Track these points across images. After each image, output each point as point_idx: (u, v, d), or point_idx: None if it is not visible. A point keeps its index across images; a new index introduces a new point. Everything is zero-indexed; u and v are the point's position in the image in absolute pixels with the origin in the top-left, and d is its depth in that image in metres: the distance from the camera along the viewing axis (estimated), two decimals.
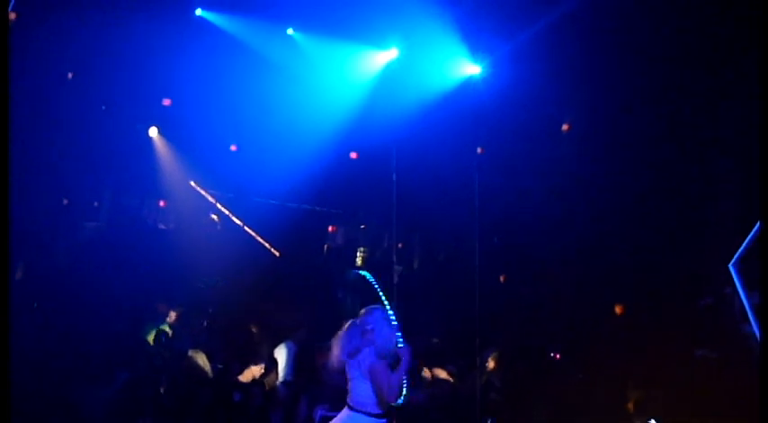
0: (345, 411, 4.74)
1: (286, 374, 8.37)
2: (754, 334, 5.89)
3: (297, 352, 8.65)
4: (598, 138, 9.26)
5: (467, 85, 8.92)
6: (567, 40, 8.09)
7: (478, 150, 11.32)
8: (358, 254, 12.79)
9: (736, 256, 5.85)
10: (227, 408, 6.56)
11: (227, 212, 12.78)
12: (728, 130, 7.34)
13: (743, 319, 6.12)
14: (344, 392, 7.56)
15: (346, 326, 4.80)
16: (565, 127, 10.20)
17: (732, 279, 6.17)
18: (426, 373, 7.53)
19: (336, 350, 4.76)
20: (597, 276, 8.89)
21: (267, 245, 12.65)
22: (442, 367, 7.68)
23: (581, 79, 8.56)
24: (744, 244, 5.88)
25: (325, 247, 13.40)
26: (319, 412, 6.75)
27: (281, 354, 8.44)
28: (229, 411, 6.57)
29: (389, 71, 9.15)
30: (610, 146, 9.18)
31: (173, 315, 8.82)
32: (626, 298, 8.24)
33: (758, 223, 5.66)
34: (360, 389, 4.66)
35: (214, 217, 12.94)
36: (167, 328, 8.52)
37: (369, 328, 4.67)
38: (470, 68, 8.91)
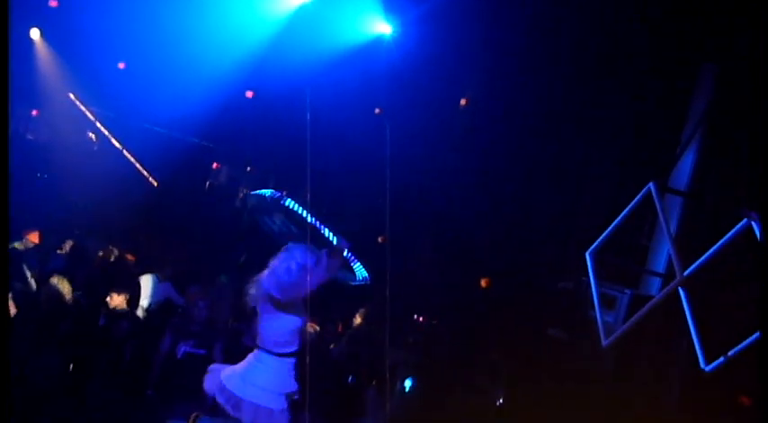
0: (254, 352, 4.78)
1: (149, 305, 8.22)
2: (597, 320, 6.39)
3: (164, 286, 8.50)
4: (490, 117, 9.52)
5: (377, 43, 8.87)
6: (476, 8, 8.17)
7: (376, 111, 11.39)
8: (240, 195, 12.59)
9: (592, 247, 6.28)
10: (88, 338, 6.33)
11: (106, 133, 12.13)
12: (614, 125, 7.75)
13: (592, 305, 6.59)
14: (210, 330, 7.53)
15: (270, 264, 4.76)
16: (462, 102, 10.40)
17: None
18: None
19: (254, 290, 4.77)
20: (470, 249, 9.26)
21: (146, 173, 12.17)
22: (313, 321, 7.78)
23: (485, 49, 8.72)
24: (601, 236, 6.31)
25: (207, 183, 13.06)
26: (183, 348, 6.69)
27: (145, 284, 8.25)
28: (91, 341, 6.35)
29: (301, 16, 8.91)
30: (497, 126, 9.45)
31: (33, 236, 8.28)
32: (494, 273, 8.65)
33: (617, 219, 6.10)
34: (270, 328, 4.71)
35: (91, 135, 12.24)
36: (20, 247, 8.00)
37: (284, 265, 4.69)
38: (382, 27, 8.86)
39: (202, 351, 6.97)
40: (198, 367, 6.63)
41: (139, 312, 7.81)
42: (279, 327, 4.69)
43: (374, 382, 6.88)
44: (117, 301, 7.11)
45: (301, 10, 8.84)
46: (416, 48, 8.88)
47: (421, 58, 8.97)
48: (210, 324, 7.35)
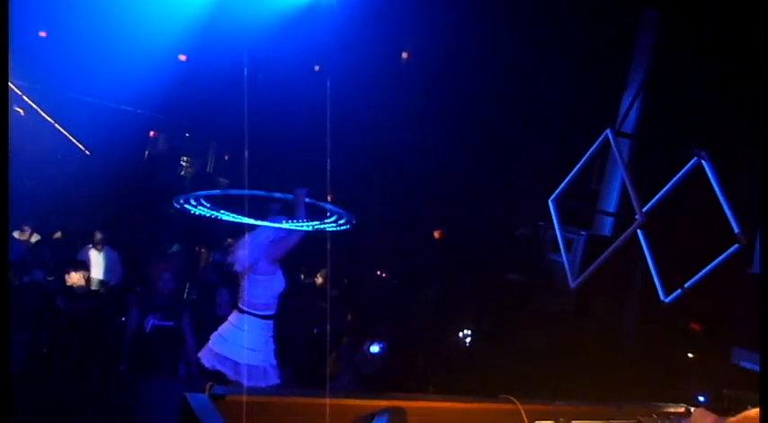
0: (235, 314, 5.00)
1: (107, 279, 8.08)
2: (559, 262, 6.69)
3: (117, 258, 8.35)
4: (435, 70, 9.58)
5: (317, 4, 8.73)
6: None
7: (316, 68, 11.27)
8: (182, 163, 12.34)
9: (555, 193, 6.52)
10: (54, 315, 6.20)
11: (34, 106, 11.58)
12: (560, 73, 7.94)
13: (553, 249, 6.89)
14: (176, 302, 7.46)
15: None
16: (404, 55, 10.41)
17: (544, 213, 6.91)
18: None
19: (241, 251, 5.00)
20: (424, 203, 9.41)
21: (80, 145, 11.73)
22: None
23: (426, 11, 8.74)
24: (563, 183, 6.56)
25: (146, 152, 12.72)
26: (151, 322, 6.62)
27: (96, 259, 8.10)
28: (57, 319, 6.22)
29: None
30: (445, 78, 9.53)
31: None
32: (450, 225, 8.85)
33: (578, 165, 6.34)
34: (257, 291, 4.94)
35: (19, 110, 11.67)
36: None
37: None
38: None
39: (170, 323, 6.91)
40: (167, 339, 6.67)
41: (96, 287, 7.69)
42: (266, 289, 4.94)
43: (345, 340, 7.01)
44: (74, 278, 6.95)
45: None
46: (357, 4, 8.80)
47: (362, 14, 8.90)
48: (176, 295, 7.28)
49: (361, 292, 8.58)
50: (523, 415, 3.09)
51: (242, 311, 4.96)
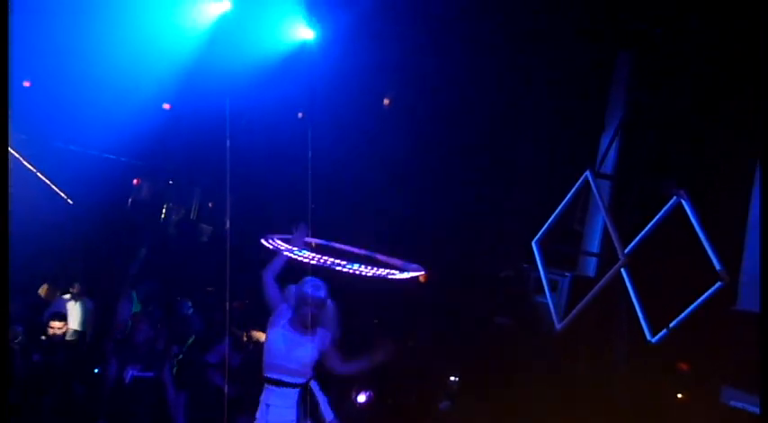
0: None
1: (84, 330, 7.94)
2: (545, 303, 6.69)
3: (96, 308, 8.22)
4: (417, 115, 9.69)
5: (301, 50, 8.86)
6: (401, 17, 8.32)
7: (299, 115, 11.36)
8: (164, 210, 12.29)
9: (538, 236, 6.57)
10: (29, 370, 6.05)
11: (17, 156, 11.53)
12: (539, 117, 8.06)
13: (537, 290, 6.88)
14: (155, 352, 7.33)
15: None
16: (386, 101, 10.53)
17: (528, 255, 6.93)
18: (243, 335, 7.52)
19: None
20: (408, 247, 9.38)
21: (63, 194, 11.65)
22: (260, 330, 7.71)
23: (409, 56, 8.87)
24: (545, 225, 6.62)
25: (129, 200, 12.66)
26: (130, 373, 6.48)
27: (74, 309, 7.97)
28: (33, 374, 6.07)
29: (221, 26, 8.77)
30: (426, 123, 9.64)
31: None
32: (435, 268, 8.80)
33: (560, 207, 6.39)
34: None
35: None
36: None
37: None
38: (305, 32, 8.84)
39: (150, 374, 6.77)
40: (147, 391, 6.52)
41: (72, 338, 7.54)
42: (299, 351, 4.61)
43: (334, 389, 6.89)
44: (55, 329, 6.84)
45: (222, 19, 8.71)
46: (340, 52, 8.94)
47: (344, 62, 9.02)
48: (155, 347, 7.15)
49: (346, 339, 8.45)
50: None
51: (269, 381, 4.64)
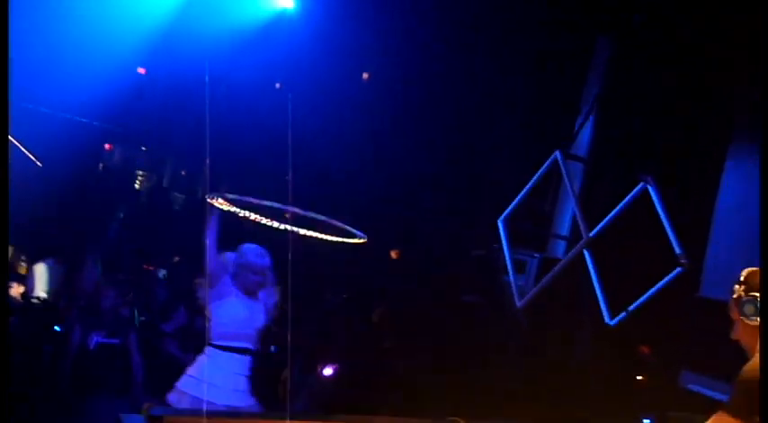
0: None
1: (47, 294, 7.84)
2: (511, 283, 6.75)
3: (62, 273, 8.12)
4: (396, 89, 9.62)
5: (280, 19, 8.72)
6: None
7: (277, 85, 11.22)
8: (137, 177, 12.13)
9: (504, 215, 6.59)
10: None
11: None
12: (517, 98, 8.04)
13: (505, 270, 6.93)
14: (120, 319, 7.28)
15: None
16: (365, 75, 10.45)
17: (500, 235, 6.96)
18: None
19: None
20: (382, 223, 9.39)
21: (32, 156, 11.44)
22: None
23: (390, 29, 8.78)
24: (512, 204, 6.64)
25: (101, 165, 12.47)
26: (95, 339, 6.44)
27: (40, 271, 7.86)
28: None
29: None
30: (404, 100, 9.59)
31: None
32: (406, 245, 8.84)
33: (527, 186, 6.41)
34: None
35: None
36: None
37: None
38: (283, 1, 8.70)
39: (116, 340, 6.73)
40: (112, 357, 6.48)
41: (36, 301, 7.46)
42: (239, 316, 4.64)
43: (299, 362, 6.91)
44: (14, 291, 6.77)
45: None
46: (319, 21, 8.81)
47: (324, 32, 8.91)
48: (120, 313, 7.10)
49: (315, 313, 8.48)
50: None
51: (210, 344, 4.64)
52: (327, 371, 6.95)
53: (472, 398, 5.27)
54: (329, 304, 9.20)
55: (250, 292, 4.74)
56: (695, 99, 5.89)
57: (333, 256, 9.91)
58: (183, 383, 4.58)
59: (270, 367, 6.00)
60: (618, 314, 5.68)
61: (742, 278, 2.77)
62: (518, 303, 6.04)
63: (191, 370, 4.65)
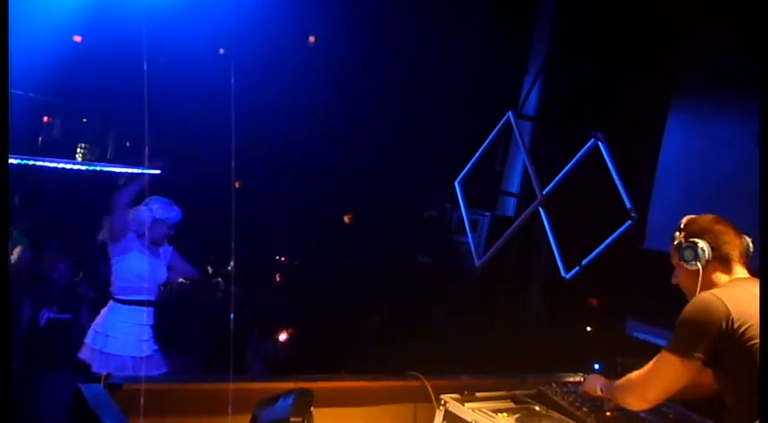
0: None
1: None
2: (466, 243, 6.87)
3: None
4: (343, 54, 9.52)
5: None
6: None
7: (221, 51, 10.96)
8: (78, 150, 11.76)
9: (460, 176, 6.68)
10: None
11: None
12: (465, 59, 8.06)
13: (457, 230, 7.04)
14: (70, 294, 7.15)
15: None
16: (311, 39, 10.29)
17: (451, 196, 7.06)
18: None
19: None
20: (333, 188, 9.38)
21: None
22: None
23: None
24: (468, 166, 6.74)
25: (40, 139, 12.05)
26: (45, 314, 6.32)
27: None
28: None
29: None
30: (352, 63, 9.50)
31: None
32: (360, 209, 8.85)
33: (482, 147, 6.50)
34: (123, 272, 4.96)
35: None
36: None
37: None
38: None
39: (68, 315, 6.62)
40: (65, 333, 6.37)
41: None
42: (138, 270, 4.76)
43: (255, 329, 6.92)
44: None
45: None
46: None
47: None
48: (73, 286, 6.98)
49: (268, 279, 8.48)
50: (430, 390, 3.16)
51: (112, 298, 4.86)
52: (283, 336, 7.00)
53: (431, 354, 5.38)
54: (283, 271, 9.20)
55: (157, 244, 4.91)
56: (640, 55, 6.02)
57: (284, 223, 9.89)
58: (89, 338, 4.76)
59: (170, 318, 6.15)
60: (572, 268, 5.85)
61: (682, 225, 2.89)
62: (477, 262, 6.17)
63: (95, 325, 4.80)
